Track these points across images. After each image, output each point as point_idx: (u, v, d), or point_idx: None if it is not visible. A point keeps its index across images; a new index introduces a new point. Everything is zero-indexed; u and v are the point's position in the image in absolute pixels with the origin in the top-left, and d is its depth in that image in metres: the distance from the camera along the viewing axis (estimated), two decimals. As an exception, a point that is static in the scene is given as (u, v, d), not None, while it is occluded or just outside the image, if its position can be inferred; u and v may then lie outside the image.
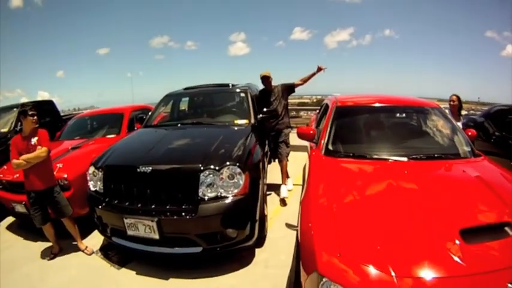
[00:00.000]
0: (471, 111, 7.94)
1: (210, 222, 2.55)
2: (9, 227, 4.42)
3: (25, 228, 4.21)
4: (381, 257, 1.47)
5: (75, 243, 3.52)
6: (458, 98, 4.34)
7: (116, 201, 2.84)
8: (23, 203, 3.57)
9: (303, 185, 3.21)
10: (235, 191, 2.61)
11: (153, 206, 2.66)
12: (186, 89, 4.87)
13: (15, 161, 3.03)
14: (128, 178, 2.84)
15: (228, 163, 2.65)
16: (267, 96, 4.32)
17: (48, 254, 3.42)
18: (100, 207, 2.89)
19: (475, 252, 1.49)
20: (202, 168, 2.62)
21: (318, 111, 4.81)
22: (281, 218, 3.70)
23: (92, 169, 3.15)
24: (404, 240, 1.59)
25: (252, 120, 3.77)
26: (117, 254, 3.29)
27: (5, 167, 4.18)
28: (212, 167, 2.62)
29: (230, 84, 4.61)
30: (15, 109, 5.67)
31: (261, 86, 4.48)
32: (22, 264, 3.35)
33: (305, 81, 4.40)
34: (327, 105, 3.75)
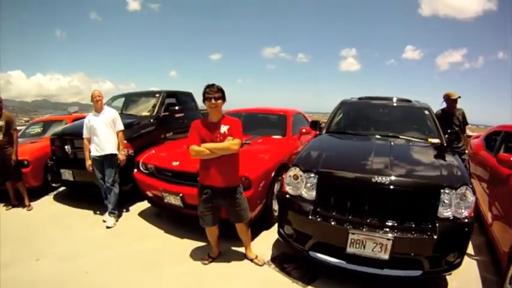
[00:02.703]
0: None
1: (445, 243, 2.34)
2: (143, 214, 4.13)
3: (163, 219, 3.94)
4: None
5: (237, 249, 3.15)
6: None
7: (334, 212, 2.52)
8: (180, 195, 3.27)
9: None
10: (467, 213, 2.40)
11: (390, 223, 2.38)
12: (360, 98, 4.65)
13: (195, 147, 2.60)
14: (356, 188, 2.52)
15: (465, 182, 2.46)
16: (448, 118, 4.24)
17: (204, 257, 3.01)
18: (311, 216, 2.54)
19: None
20: (443, 185, 2.41)
21: (483, 140, 4.53)
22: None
23: (294, 171, 2.78)
24: None
25: (443, 140, 3.52)
26: (296, 268, 2.87)
27: (153, 151, 3.94)
28: (451, 185, 2.42)
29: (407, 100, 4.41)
30: (157, 95, 5.52)
31: None
32: (171, 263, 2.97)
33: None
34: (509, 134, 3.74)
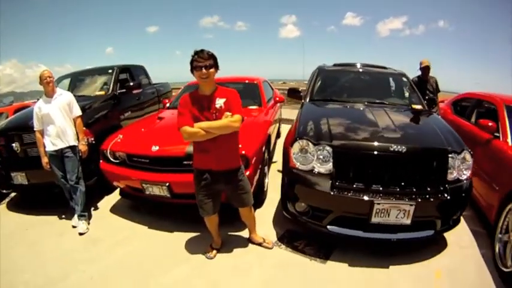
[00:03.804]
0: None
1: (455, 203, 2.50)
2: (117, 210, 3.55)
3: (142, 212, 3.44)
4: None
5: (238, 234, 2.91)
6: None
7: (358, 185, 2.41)
8: (167, 184, 2.82)
9: None
10: (468, 174, 2.57)
11: (412, 189, 2.40)
12: (336, 65, 4.50)
13: (187, 128, 2.17)
14: (375, 158, 2.44)
15: (464, 147, 2.62)
16: (422, 85, 4.55)
17: (206, 249, 2.67)
18: (333, 191, 2.39)
19: None
20: (449, 150, 2.51)
21: (451, 106, 4.77)
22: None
23: (302, 144, 2.57)
24: None
25: (424, 106, 3.62)
26: (308, 244, 2.75)
27: (121, 136, 3.34)
28: (455, 150, 2.54)
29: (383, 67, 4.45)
30: (109, 71, 4.69)
31: None
32: (170, 265, 2.55)
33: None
34: (481, 102, 3.97)
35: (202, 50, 2.21)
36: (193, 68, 2.21)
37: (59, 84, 4.78)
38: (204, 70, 2.18)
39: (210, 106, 2.25)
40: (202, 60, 2.18)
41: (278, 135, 5.86)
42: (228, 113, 2.23)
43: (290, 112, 6.88)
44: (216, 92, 2.29)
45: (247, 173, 2.75)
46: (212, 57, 2.22)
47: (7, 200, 4.11)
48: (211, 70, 2.22)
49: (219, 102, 2.25)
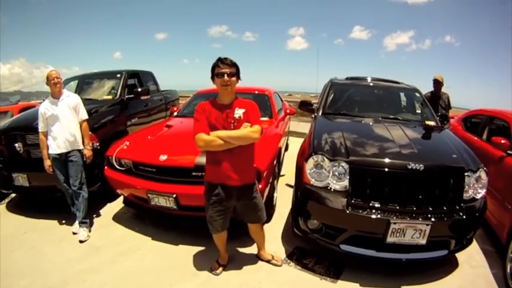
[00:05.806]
0: None
1: (470, 223, 2.46)
2: (120, 219, 3.48)
3: (145, 221, 3.37)
4: None
5: (245, 250, 2.84)
6: None
7: (374, 203, 2.38)
8: (174, 196, 2.75)
9: None
10: (483, 192, 2.54)
11: (428, 208, 2.37)
12: (349, 78, 4.52)
13: (204, 136, 2.12)
14: (392, 175, 2.40)
15: (480, 165, 2.57)
16: (435, 100, 4.59)
17: (213, 265, 2.60)
18: (349, 210, 2.36)
19: None
20: (466, 168, 2.48)
21: (461, 122, 4.74)
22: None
23: (317, 160, 2.54)
24: None
25: (437, 122, 3.62)
26: (317, 262, 2.70)
27: (127, 142, 3.29)
28: (471, 168, 2.50)
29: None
30: (118, 75, 4.68)
31: None
32: (175, 280, 2.47)
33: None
34: (492, 118, 3.97)
35: (226, 58, 2.19)
36: (215, 75, 2.18)
37: (65, 86, 4.78)
38: (226, 77, 2.15)
39: (228, 116, 2.20)
40: (226, 67, 2.16)
41: (286, 148, 5.83)
42: (247, 124, 2.18)
43: (297, 125, 6.89)
44: (235, 102, 2.25)
45: (259, 186, 2.70)
46: (235, 65, 2.20)
47: (7, 200, 4.05)
48: (233, 79, 2.19)
49: (239, 112, 2.21)
